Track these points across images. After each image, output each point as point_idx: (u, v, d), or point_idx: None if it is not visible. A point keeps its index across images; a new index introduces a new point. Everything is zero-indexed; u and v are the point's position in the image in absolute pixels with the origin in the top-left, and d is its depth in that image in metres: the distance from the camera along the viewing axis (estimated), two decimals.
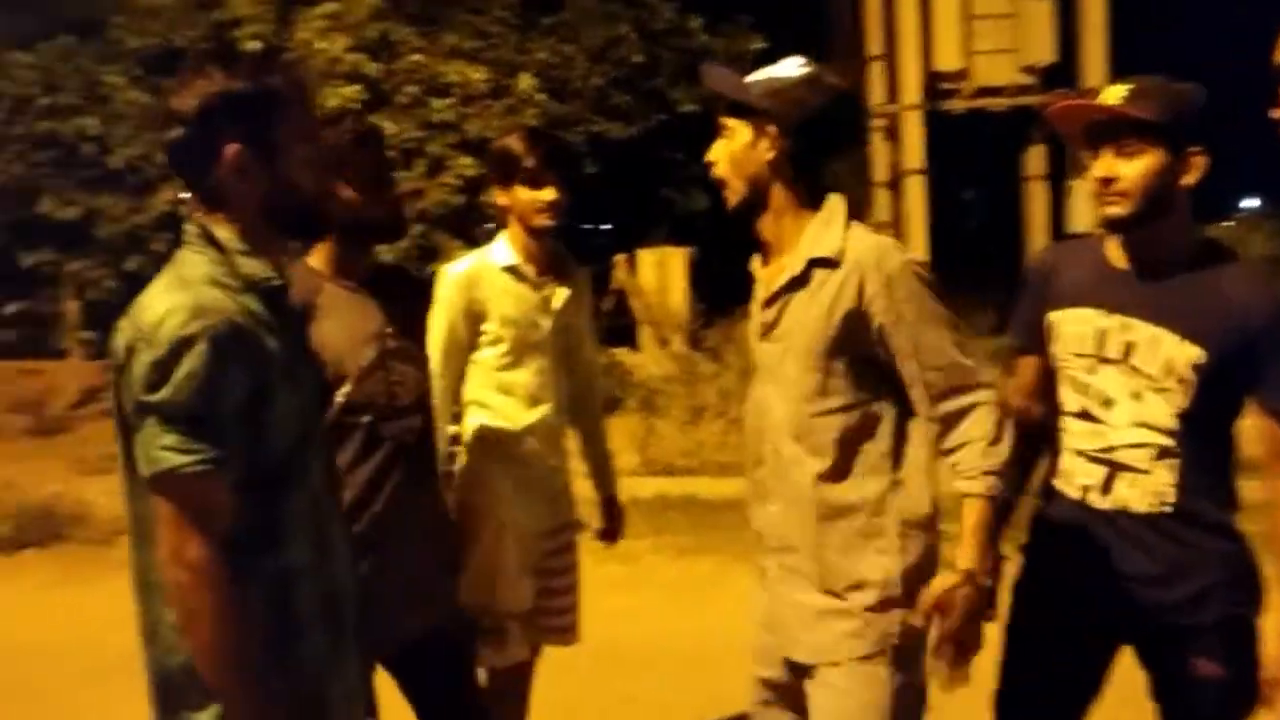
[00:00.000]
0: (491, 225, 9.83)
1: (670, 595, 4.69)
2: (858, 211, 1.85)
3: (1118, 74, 8.59)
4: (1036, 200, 11.13)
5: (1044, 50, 10.69)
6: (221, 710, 1.38)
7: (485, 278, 2.43)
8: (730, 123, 1.83)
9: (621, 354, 9.28)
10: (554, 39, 11.60)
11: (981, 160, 14.17)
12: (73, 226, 10.35)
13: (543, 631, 2.61)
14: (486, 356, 2.44)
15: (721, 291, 7.52)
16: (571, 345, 2.57)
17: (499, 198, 2.46)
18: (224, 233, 1.44)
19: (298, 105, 1.47)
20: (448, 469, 2.45)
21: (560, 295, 2.50)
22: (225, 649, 1.33)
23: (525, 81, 10.31)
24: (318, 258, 2.08)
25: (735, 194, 1.85)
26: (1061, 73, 10.79)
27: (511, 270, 2.45)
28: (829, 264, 1.78)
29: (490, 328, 2.42)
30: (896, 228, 10.92)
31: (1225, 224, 9.83)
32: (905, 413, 1.83)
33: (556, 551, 2.58)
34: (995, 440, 1.73)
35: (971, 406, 1.73)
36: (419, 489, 2.11)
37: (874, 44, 11.67)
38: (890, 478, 1.81)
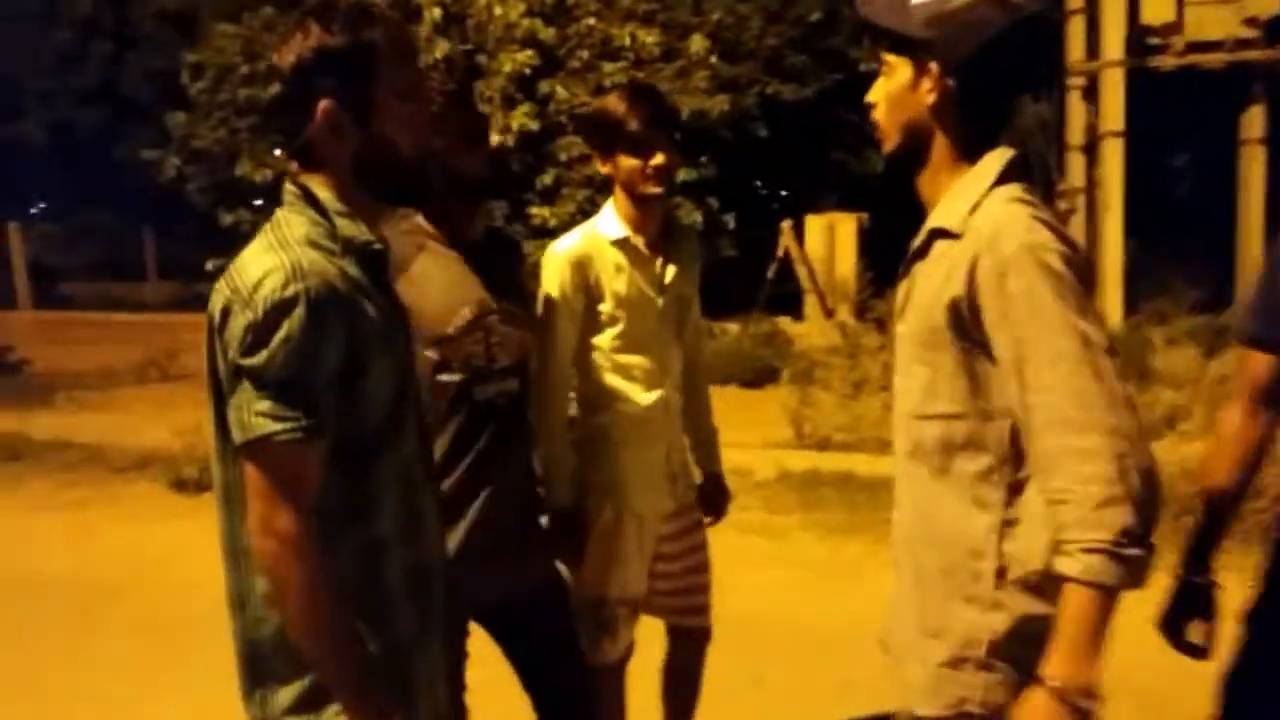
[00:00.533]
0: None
1: (814, 575, 4.53)
2: (1020, 173, 1.50)
3: None
4: (1253, 166, 10.07)
5: (1269, 0, 9.60)
6: (309, 684, 1.37)
7: (596, 255, 2.31)
8: (890, 58, 1.51)
9: (784, 323, 9.08)
10: None
11: (1193, 122, 12.97)
12: (268, 188, 11.01)
13: (671, 613, 2.54)
14: (603, 338, 2.35)
15: (894, 260, 7.13)
16: (683, 317, 2.46)
17: (601, 166, 2.32)
18: (324, 193, 1.41)
19: (396, 61, 1.41)
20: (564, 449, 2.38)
21: (671, 263, 2.38)
22: (317, 619, 1.31)
23: (697, 43, 10.17)
24: (426, 216, 2.04)
25: (889, 142, 1.54)
26: None
27: (621, 244, 2.32)
28: (949, 235, 1.45)
29: (605, 308, 2.32)
30: (1090, 195, 10.15)
31: None
32: None
33: (680, 533, 2.49)
34: (1109, 503, 1.26)
35: (1083, 451, 1.27)
36: (509, 451, 2.07)
37: None
38: (999, 515, 1.44)
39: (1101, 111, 9.91)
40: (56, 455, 6.81)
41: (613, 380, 2.36)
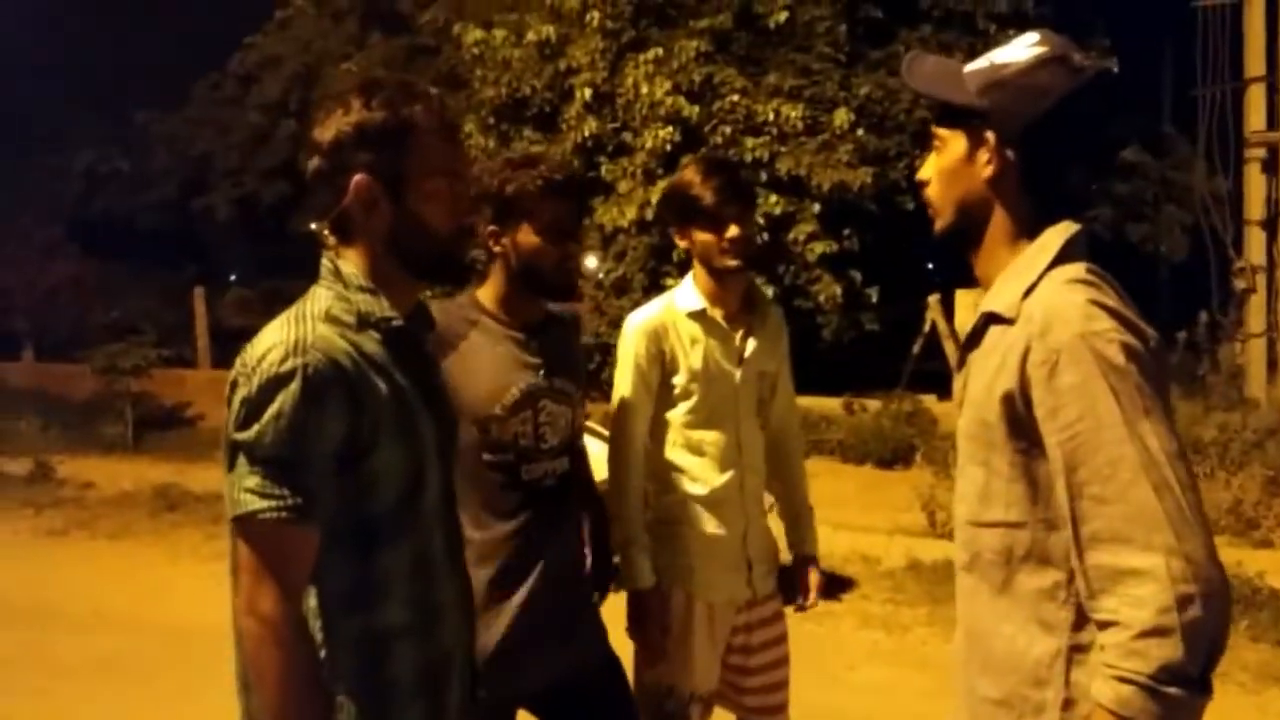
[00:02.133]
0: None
1: (933, 677, 4.23)
2: (1085, 250, 1.34)
3: None
4: None
5: None
6: None
7: (671, 327, 2.26)
8: (942, 132, 1.41)
9: (928, 401, 8.72)
10: (881, 72, 11.31)
11: None
12: None
13: (745, 711, 2.40)
14: (676, 413, 2.28)
15: None
16: (765, 394, 2.36)
17: (679, 241, 2.29)
18: (349, 267, 1.41)
19: (434, 138, 1.40)
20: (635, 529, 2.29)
21: (751, 339, 2.30)
22: (284, 711, 1.26)
23: (841, 117, 10.10)
24: (487, 292, 2.04)
25: (942, 219, 1.43)
26: None
27: (698, 316, 2.27)
28: (1003, 321, 1.32)
29: (679, 381, 2.26)
30: (1272, 274, 9.38)
31: None
32: None
33: (758, 624, 2.36)
34: (1156, 633, 1.12)
35: (1136, 572, 1.14)
36: (556, 531, 2.02)
37: (1254, 63, 10.15)
38: (1067, 639, 1.28)
39: None
40: (209, 507, 7.19)
41: (684, 458, 2.29)
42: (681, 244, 2.30)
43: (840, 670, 4.18)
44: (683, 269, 10.03)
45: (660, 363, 2.25)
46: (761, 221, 9.44)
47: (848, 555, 5.55)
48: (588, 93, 10.48)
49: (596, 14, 10.56)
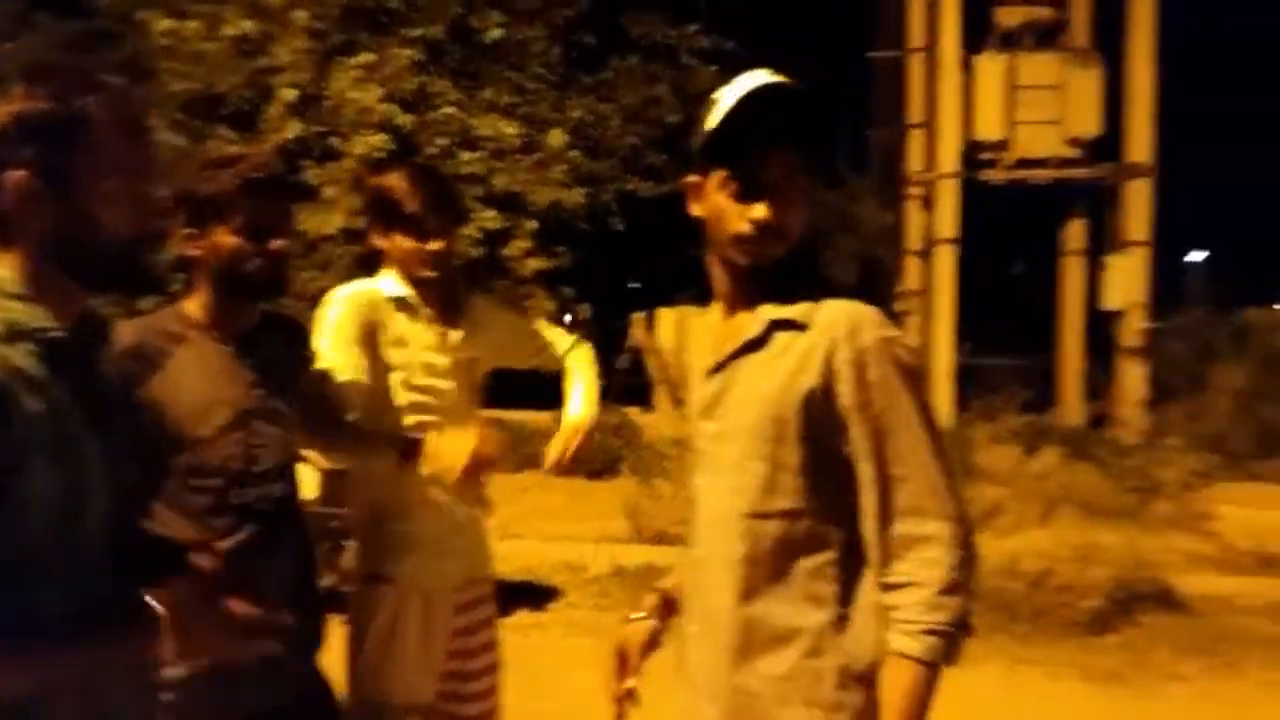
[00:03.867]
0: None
1: (640, 678, 4.42)
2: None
3: (1164, 148, 8.33)
4: (1072, 276, 10.81)
5: (1089, 123, 10.45)
6: None
7: (378, 309, 2.20)
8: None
9: (633, 414, 9.11)
10: (592, 97, 11.68)
11: (1024, 233, 13.89)
12: None
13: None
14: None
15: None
16: (480, 381, 2.35)
17: (376, 240, 2.24)
18: (2, 272, 1.28)
19: (112, 132, 1.28)
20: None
21: (459, 330, 2.29)
22: None
23: (556, 138, 10.33)
24: (195, 304, 1.90)
25: (785, 247, 1.50)
26: (1107, 145, 10.54)
27: (402, 304, 2.22)
28: (794, 326, 1.45)
29: (382, 361, 2.19)
30: (925, 298, 10.67)
31: None
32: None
33: (477, 627, 2.32)
34: (950, 589, 1.35)
35: (928, 538, 1.36)
36: (269, 559, 1.92)
37: (915, 112, 11.53)
38: (835, 611, 1.44)
39: (935, 220, 10.48)
40: None
41: None
42: (379, 244, 2.23)
43: (547, 678, 4.24)
44: None
45: (367, 338, 2.17)
46: (479, 235, 9.45)
47: (555, 565, 5.67)
48: (291, 94, 10.00)
49: (303, 13, 10.11)
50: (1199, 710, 4.31)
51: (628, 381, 9.85)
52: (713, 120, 1.46)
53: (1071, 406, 10.38)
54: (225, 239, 1.83)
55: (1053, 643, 4.92)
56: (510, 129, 10.19)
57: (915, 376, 1.43)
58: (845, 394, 1.40)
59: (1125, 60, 10.28)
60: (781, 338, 1.46)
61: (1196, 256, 11.04)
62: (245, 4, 10.31)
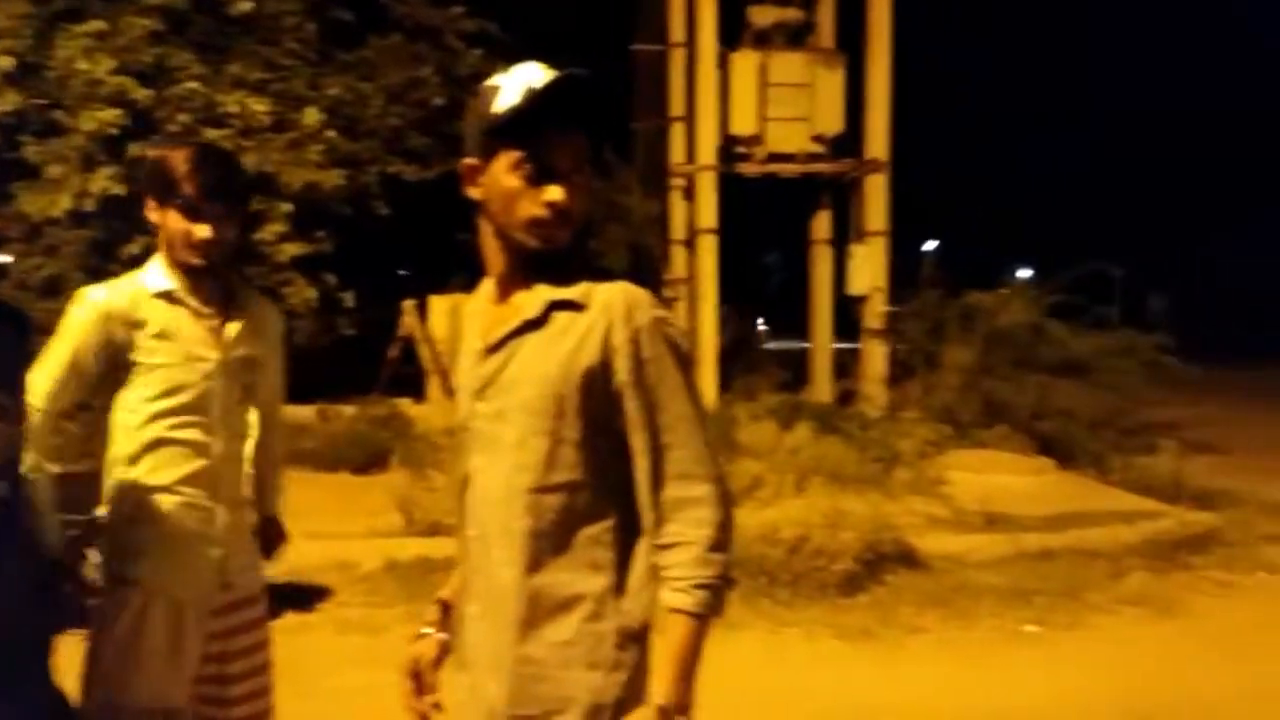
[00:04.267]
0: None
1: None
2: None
3: (898, 146, 9.01)
4: (821, 264, 11.53)
5: (833, 120, 11.14)
6: None
7: (137, 306, 2.10)
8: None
9: (404, 405, 8.89)
10: (351, 76, 11.23)
11: (778, 223, 14.69)
12: None
13: None
14: (137, 400, 2.10)
15: None
16: (251, 381, 2.26)
17: (150, 212, 2.13)
18: None
19: None
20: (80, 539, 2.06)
21: (233, 327, 2.20)
22: None
23: (311, 116, 9.86)
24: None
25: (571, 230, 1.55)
26: (849, 141, 11.27)
27: (167, 297, 2.12)
28: (573, 307, 1.50)
29: (141, 367, 2.09)
30: (691, 284, 11.05)
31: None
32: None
33: (238, 630, 2.22)
34: (716, 546, 1.46)
35: (696, 500, 1.46)
36: None
37: (676, 105, 11.88)
38: (614, 576, 1.52)
39: (696, 210, 10.87)
40: None
41: (148, 447, 2.10)
42: (153, 218, 2.13)
43: (318, 678, 4.09)
44: (131, 265, 9.07)
45: (112, 344, 2.07)
46: None
47: (322, 564, 5.44)
48: (8, 62, 8.99)
49: None
50: (938, 658, 4.74)
51: (398, 372, 9.58)
52: (500, 104, 1.47)
53: (822, 385, 11.09)
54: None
55: (810, 604, 5.26)
56: (260, 106, 9.65)
57: (683, 354, 1.52)
58: (621, 370, 1.48)
59: (865, 63, 11.03)
60: (560, 318, 1.51)
61: (930, 245, 12.07)
62: None
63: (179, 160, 2.09)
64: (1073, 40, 30.11)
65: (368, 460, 7.91)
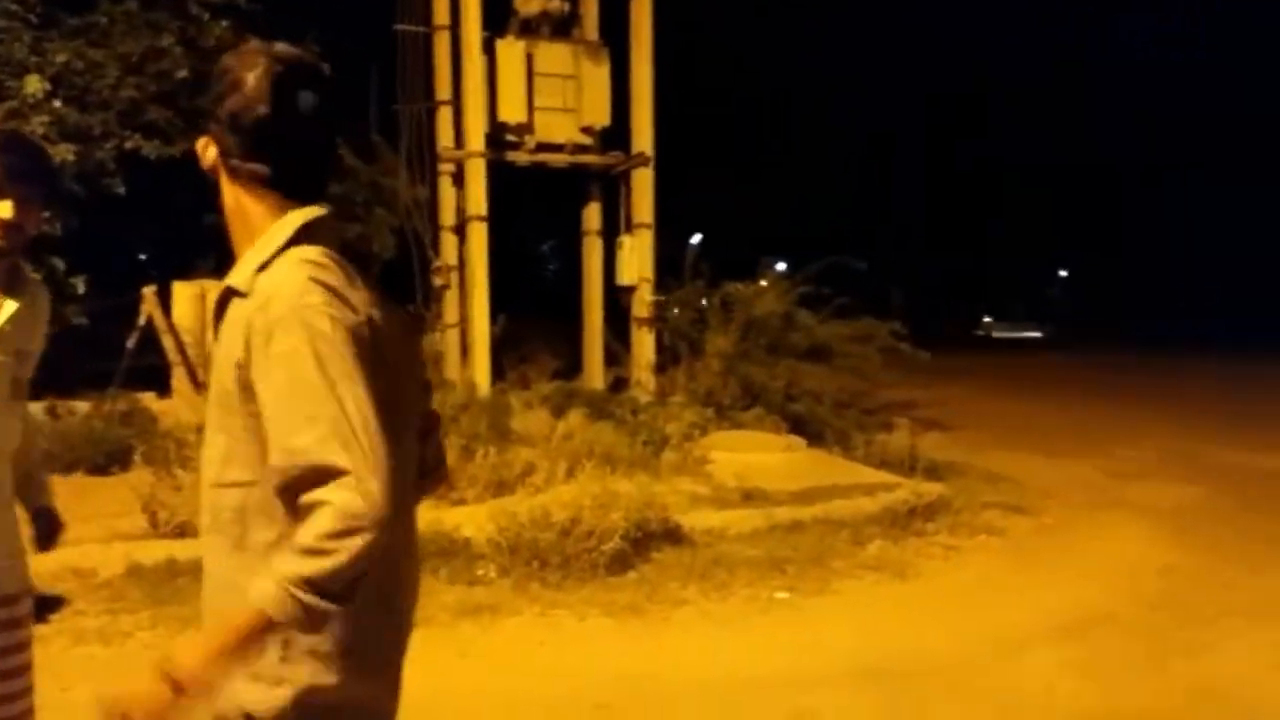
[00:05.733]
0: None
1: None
2: (324, 235, 1.49)
3: (661, 139, 9.28)
4: (593, 254, 11.71)
5: (600, 113, 11.31)
6: None
7: None
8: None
9: (147, 399, 8.25)
10: (80, 42, 10.23)
11: (551, 212, 14.76)
12: None
13: None
14: None
15: None
16: (23, 375, 2.19)
17: None
18: None
19: None
20: None
21: (5, 313, 2.11)
22: None
23: (34, 84, 8.93)
24: None
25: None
26: (618, 135, 11.49)
27: None
28: (240, 295, 1.43)
29: None
30: (462, 273, 10.91)
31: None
32: None
33: (9, 650, 2.16)
34: (319, 551, 1.28)
35: (319, 503, 1.30)
36: None
37: (443, 89, 11.67)
38: None
39: (467, 197, 10.74)
40: None
41: None
42: None
43: (55, 692, 3.78)
44: None
45: None
46: None
47: (58, 572, 4.98)
48: None
49: None
50: (699, 628, 4.97)
51: (137, 364, 8.86)
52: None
53: (594, 372, 11.28)
54: None
55: (580, 585, 5.36)
56: None
57: (335, 346, 1.36)
58: (254, 364, 1.37)
59: (629, 58, 11.27)
60: (234, 305, 1.45)
61: (694, 239, 12.48)
62: None
63: None
64: (842, 33, 32.13)
65: (106, 459, 7.27)
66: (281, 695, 1.41)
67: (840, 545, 6.24)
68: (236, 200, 1.52)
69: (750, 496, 6.98)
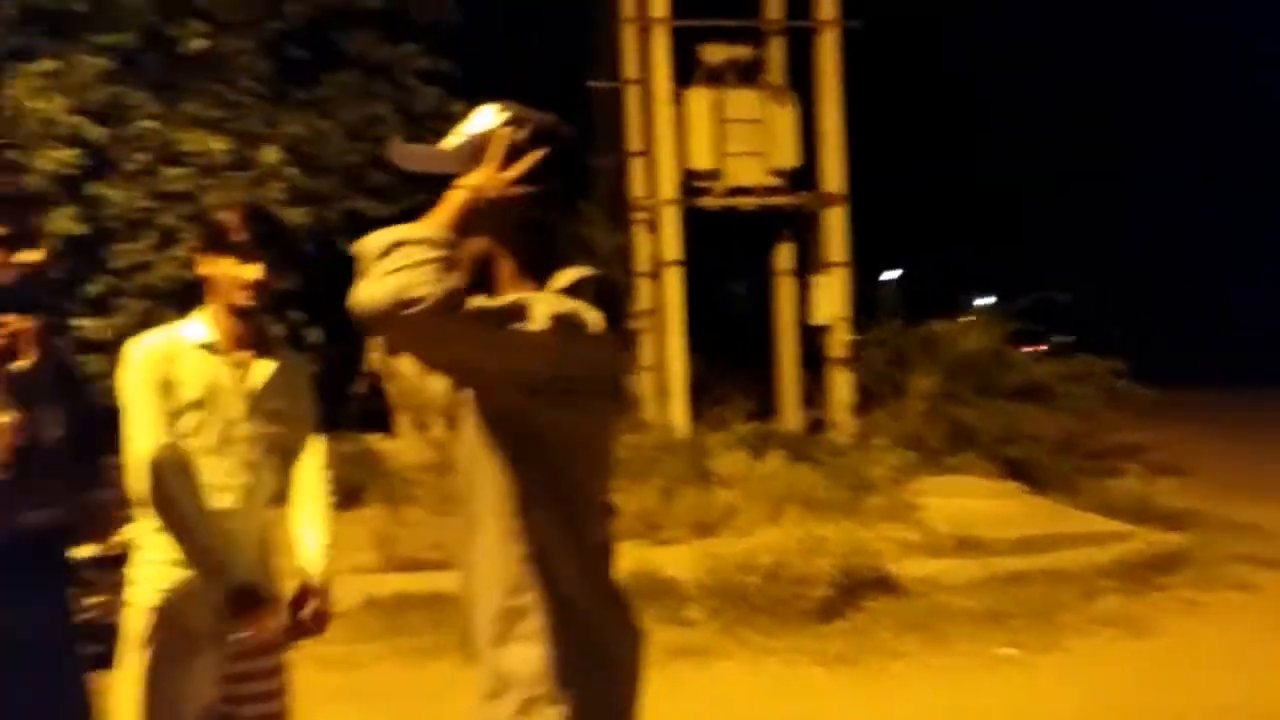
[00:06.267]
0: None
1: (394, 704, 4.26)
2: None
3: (853, 179, 9.17)
4: (784, 294, 11.64)
5: (788, 155, 11.31)
6: None
7: (176, 354, 2.28)
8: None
9: (374, 440, 8.78)
10: (309, 113, 11.16)
11: (740, 255, 14.78)
12: None
13: None
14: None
15: None
16: (282, 432, 2.42)
17: (203, 267, 2.32)
18: None
19: None
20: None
21: (259, 374, 2.35)
22: None
23: (271, 154, 9.79)
24: None
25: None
26: (807, 175, 11.44)
27: (207, 348, 2.30)
28: None
29: (175, 410, 2.25)
30: (657, 316, 11.08)
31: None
32: None
33: (247, 655, 2.34)
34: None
35: None
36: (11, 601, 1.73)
37: (634, 140, 11.99)
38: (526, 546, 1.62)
39: (660, 243, 10.94)
40: None
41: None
42: (205, 272, 2.31)
43: (301, 716, 4.04)
44: (93, 306, 8.97)
45: (162, 387, 2.23)
46: (190, 257, 8.75)
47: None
48: None
49: None
50: (917, 682, 4.76)
51: (366, 409, 9.46)
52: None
53: (790, 413, 11.14)
54: None
55: (789, 631, 5.25)
56: (219, 144, 9.56)
57: None
58: None
59: (815, 100, 11.24)
60: None
61: (890, 275, 12.22)
62: None
63: (229, 216, 2.32)
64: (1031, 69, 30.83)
65: (343, 498, 7.75)
66: (551, 649, 1.49)
67: (1068, 599, 5.83)
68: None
69: (966, 545, 6.66)
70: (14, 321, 1.84)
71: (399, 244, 1.36)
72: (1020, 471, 9.03)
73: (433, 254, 1.37)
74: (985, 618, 5.51)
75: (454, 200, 1.47)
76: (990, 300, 11.29)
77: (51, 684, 1.84)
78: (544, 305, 1.44)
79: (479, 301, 1.40)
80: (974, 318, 10.54)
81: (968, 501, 7.74)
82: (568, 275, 1.57)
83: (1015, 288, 10.63)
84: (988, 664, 4.99)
